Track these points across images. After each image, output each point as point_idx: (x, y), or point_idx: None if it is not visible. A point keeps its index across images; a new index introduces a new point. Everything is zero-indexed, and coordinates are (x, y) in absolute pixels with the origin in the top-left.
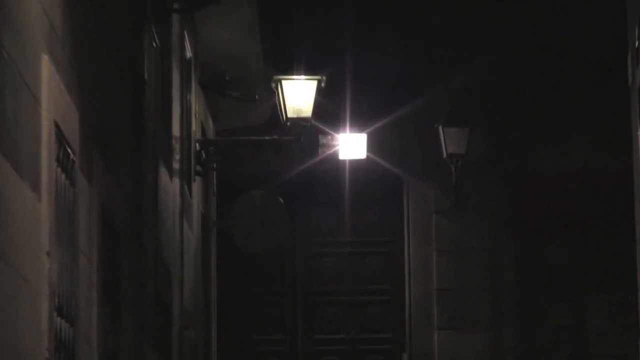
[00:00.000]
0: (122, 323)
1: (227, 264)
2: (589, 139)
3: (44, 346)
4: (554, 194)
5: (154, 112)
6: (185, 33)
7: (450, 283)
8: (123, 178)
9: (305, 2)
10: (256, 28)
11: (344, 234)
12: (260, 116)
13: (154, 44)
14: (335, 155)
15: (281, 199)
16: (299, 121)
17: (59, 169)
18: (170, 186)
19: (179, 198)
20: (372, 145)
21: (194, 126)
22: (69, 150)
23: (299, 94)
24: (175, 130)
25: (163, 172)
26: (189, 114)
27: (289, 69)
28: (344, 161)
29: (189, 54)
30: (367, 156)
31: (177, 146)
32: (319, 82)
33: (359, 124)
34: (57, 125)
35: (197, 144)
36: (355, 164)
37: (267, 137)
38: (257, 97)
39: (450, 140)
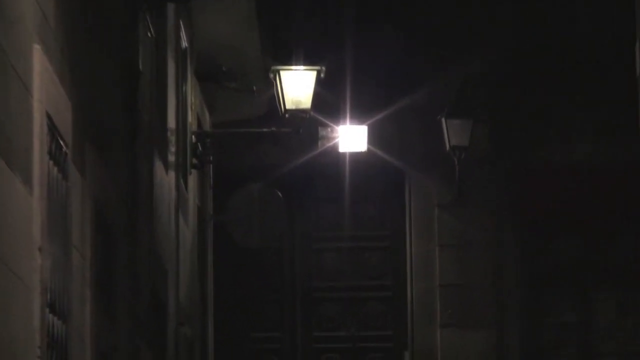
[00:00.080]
0: (116, 320)
1: (224, 259)
2: (593, 134)
3: (36, 344)
4: (558, 189)
5: (148, 104)
6: (181, 23)
7: (453, 279)
8: (117, 171)
9: None
10: (254, 17)
11: (344, 229)
12: (258, 108)
13: (149, 34)
14: (335, 148)
15: (279, 193)
16: (298, 113)
17: (51, 162)
18: (165, 179)
19: (175, 191)
20: (372, 138)
21: (190, 118)
22: (62, 143)
23: (297, 85)
24: (171, 122)
25: (158, 165)
26: (185, 106)
27: (288, 59)
28: (344, 154)
29: (184, 44)
30: (368, 149)
31: (172, 138)
32: (319, 72)
33: (359, 115)
34: (49, 117)
35: (193, 136)
36: (356, 156)
37: (265, 129)
38: (254, 88)
39: (453, 132)
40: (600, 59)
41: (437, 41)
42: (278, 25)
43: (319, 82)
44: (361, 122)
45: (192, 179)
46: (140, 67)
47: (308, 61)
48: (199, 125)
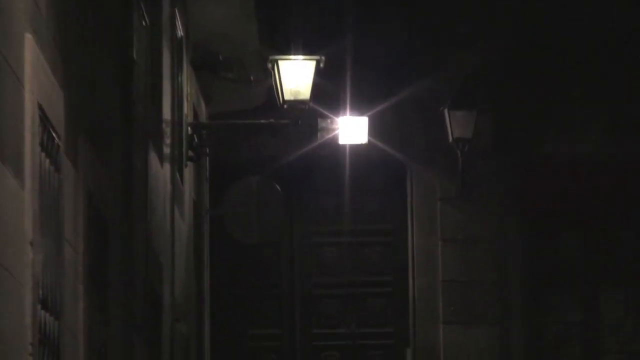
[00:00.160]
0: (110, 316)
1: (221, 254)
2: (602, 124)
3: (28, 340)
4: (565, 182)
5: (143, 94)
6: (177, 11)
7: (456, 274)
8: (111, 163)
9: None
10: (251, 5)
11: (344, 223)
12: (256, 98)
13: (144, 23)
14: (334, 140)
15: (278, 186)
16: (297, 104)
17: (43, 154)
18: (160, 172)
19: (170, 184)
20: (373, 129)
21: (186, 109)
22: (54, 134)
23: (296, 75)
24: (166, 113)
25: (153, 158)
26: (181, 96)
27: (286, 49)
28: (344, 146)
29: (180, 33)
30: (369, 140)
31: (167, 130)
32: (318, 62)
33: (359, 106)
34: (41, 108)
35: (189, 128)
36: (356, 148)
37: (262, 121)
38: (252, 78)
39: (456, 124)
40: (605, 52)
41: (440, 30)
42: (276, 13)
43: (318, 72)
44: (361, 114)
45: (188, 171)
46: (135, 56)
47: (307, 50)
48: (195, 116)
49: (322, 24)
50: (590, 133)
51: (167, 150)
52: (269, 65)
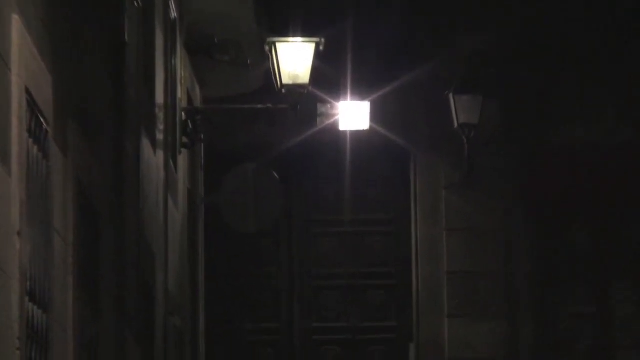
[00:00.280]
0: (101, 309)
1: (217, 244)
2: (615, 110)
3: (15, 334)
4: (576, 170)
5: (135, 78)
6: None
7: (462, 266)
8: (102, 150)
9: None
10: None
11: (344, 212)
12: (253, 83)
13: (136, 3)
14: (335, 126)
15: (276, 174)
16: (295, 88)
17: (30, 141)
18: (153, 159)
19: (163, 172)
20: (375, 115)
21: (180, 93)
22: (42, 120)
23: (295, 58)
24: (159, 98)
25: (145, 144)
26: (174, 80)
27: (285, 31)
28: (344, 132)
29: (173, 14)
30: (370, 126)
31: (161, 115)
32: (317, 45)
33: (361, 91)
34: (28, 92)
35: (183, 113)
36: (357, 135)
37: (260, 106)
38: (249, 61)
39: (461, 109)
40: (617, 32)
41: (443, 11)
42: None
43: (317, 55)
44: (363, 98)
45: (182, 158)
46: (126, 39)
47: (306, 32)
48: (190, 101)
49: (322, 4)
50: (602, 119)
51: (160, 136)
52: (267, 48)
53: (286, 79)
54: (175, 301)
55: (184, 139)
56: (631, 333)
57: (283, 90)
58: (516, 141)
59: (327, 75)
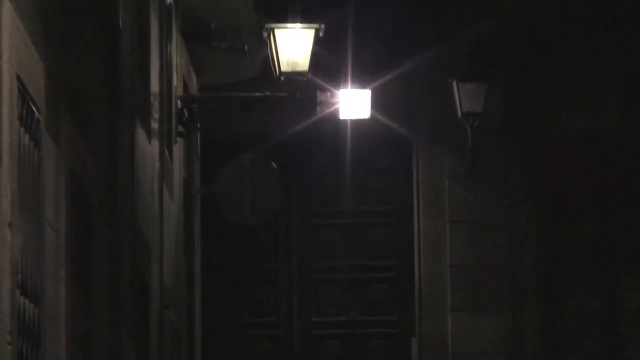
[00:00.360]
0: (95, 303)
1: (213, 236)
2: (622, 98)
3: (6, 329)
4: (582, 160)
5: (130, 66)
6: None
7: (466, 259)
8: (95, 140)
9: None
10: None
11: (345, 203)
12: (251, 70)
13: None
14: (335, 115)
15: (274, 164)
16: (295, 76)
17: (22, 130)
18: (148, 149)
19: (159, 162)
20: (376, 103)
21: (176, 81)
22: (34, 109)
23: (294, 45)
24: (155, 86)
25: (140, 133)
26: (170, 68)
27: (283, 17)
28: (345, 121)
29: None
30: (372, 115)
31: (156, 104)
32: (317, 31)
33: (362, 79)
34: (20, 80)
35: (178, 102)
36: (358, 124)
37: (258, 94)
38: (247, 48)
39: (465, 98)
40: (624, 16)
41: None
42: None
43: (317, 41)
44: (364, 87)
45: (178, 148)
46: (121, 25)
47: (306, 19)
48: (186, 89)
49: None
50: (609, 107)
51: (155, 125)
52: (265, 35)
53: (285, 67)
54: (171, 294)
55: (180, 128)
56: None
57: (282, 78)
58: (521, 131)
59: (327, 63)
